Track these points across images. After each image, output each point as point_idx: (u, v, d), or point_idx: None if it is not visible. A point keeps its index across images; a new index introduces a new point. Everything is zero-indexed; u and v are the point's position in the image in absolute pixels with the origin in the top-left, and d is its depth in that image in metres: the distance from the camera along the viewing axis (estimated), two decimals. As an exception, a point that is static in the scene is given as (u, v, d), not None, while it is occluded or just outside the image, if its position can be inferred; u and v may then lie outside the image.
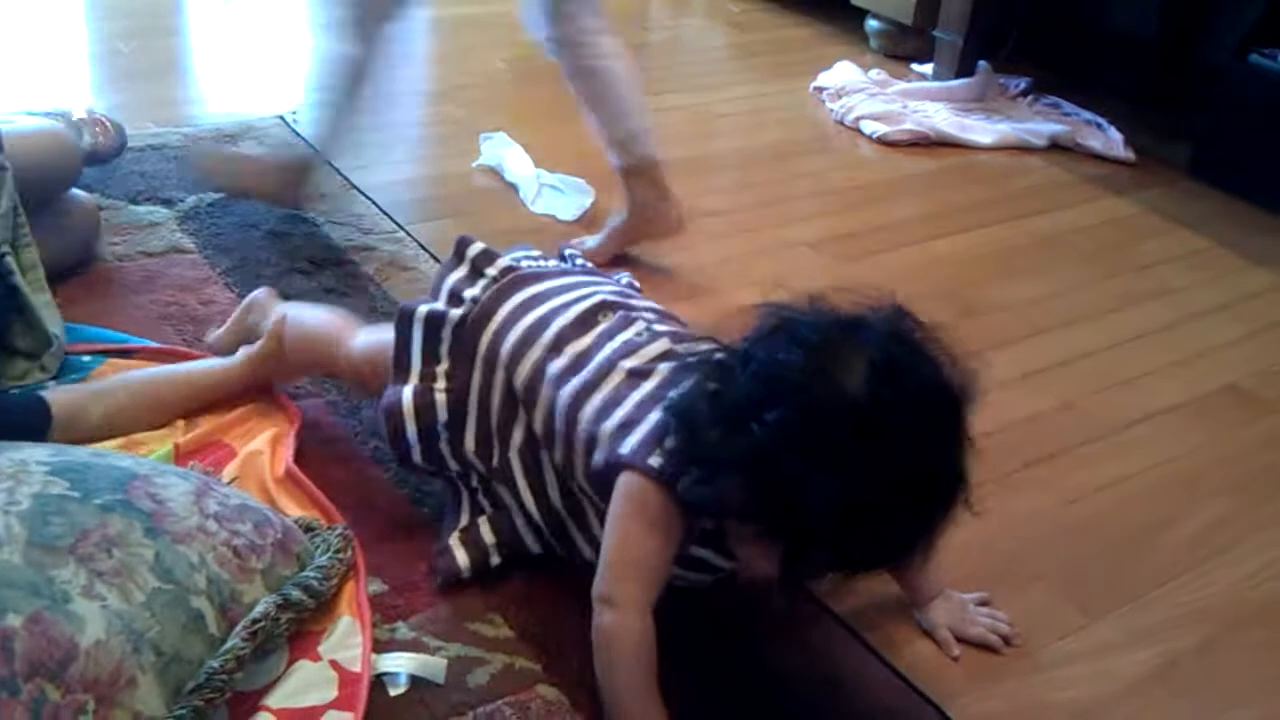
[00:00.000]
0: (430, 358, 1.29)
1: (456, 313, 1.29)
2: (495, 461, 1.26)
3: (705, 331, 1.16)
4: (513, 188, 2.18)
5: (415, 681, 1.13)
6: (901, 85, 2.86)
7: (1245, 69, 2.48)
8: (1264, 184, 2.46)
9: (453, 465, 1.29)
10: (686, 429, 1.05)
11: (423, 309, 1.30)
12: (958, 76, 2.87)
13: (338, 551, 1.19)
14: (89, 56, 2.60)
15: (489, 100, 2.63)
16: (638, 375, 1.17)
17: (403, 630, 1.19)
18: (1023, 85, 2.94)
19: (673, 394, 1.11)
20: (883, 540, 1.00)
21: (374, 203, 2.06)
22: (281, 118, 2.34)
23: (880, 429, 0.95)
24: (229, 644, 1.02)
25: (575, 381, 1.18)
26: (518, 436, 1.25)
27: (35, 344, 1.45)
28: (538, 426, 1.22)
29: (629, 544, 1.10)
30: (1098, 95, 2.88)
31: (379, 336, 1.36)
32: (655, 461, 1.08)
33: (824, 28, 3.32)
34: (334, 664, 1.11)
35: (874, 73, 2.90)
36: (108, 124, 2.00)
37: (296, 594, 1.11)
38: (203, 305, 1.70)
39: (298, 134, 2.28)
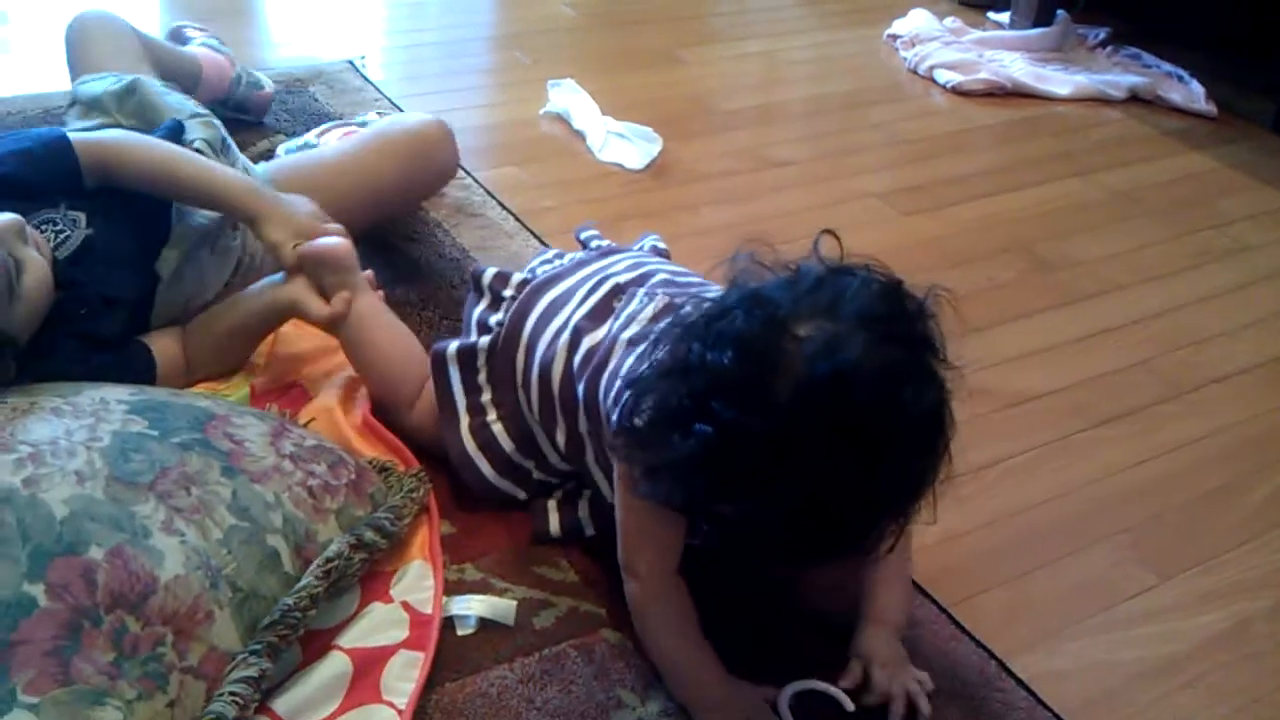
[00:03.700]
0: (472, 390, 1.28)
1: (485, 340, 1.28)
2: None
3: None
4: (580, 135, 2.18)
5: (483, 623, 1.15)
6: (977, 34, 2.80)
7: (1336, 20, 2.40)
8: (1351, 140, 2.39)
9: (555, 481, 1.29)
10: (627, 422, 1.01)
11: (453, 347, 1.29)
12: (1035, 25, 2.80)
13: (410, 491, 1.21)
14: (160, -1, 2.62)
15: (556, 46, 2.62)
16: (635, 342, 1.13)
17: (470, 571, 1.21)
18: (1101, 35, 2.86)
19: (626, 366, 1.09)
20: (815, 548, 0.95)
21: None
22: (351, 62, 2.34)
23: (796, 457, 0.88)
24: (303, 582, 1.04)
25: (589, 369, 1.16)
26: (560, 439, 1.23)
27: None
28: (581, 431, 1.20)
29: (631, 514, 1.10)
30: (1179, 46, 2.80)
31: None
32: None
33: (897, -26, 3.26)
34: (405, 605, 1.13)
35: (949, 21, 2.84)
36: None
37: (369, 534, 1.13)
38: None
39: (366, 79, 2.29)
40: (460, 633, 1.14)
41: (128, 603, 0.93)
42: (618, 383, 1.10)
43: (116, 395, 1.13)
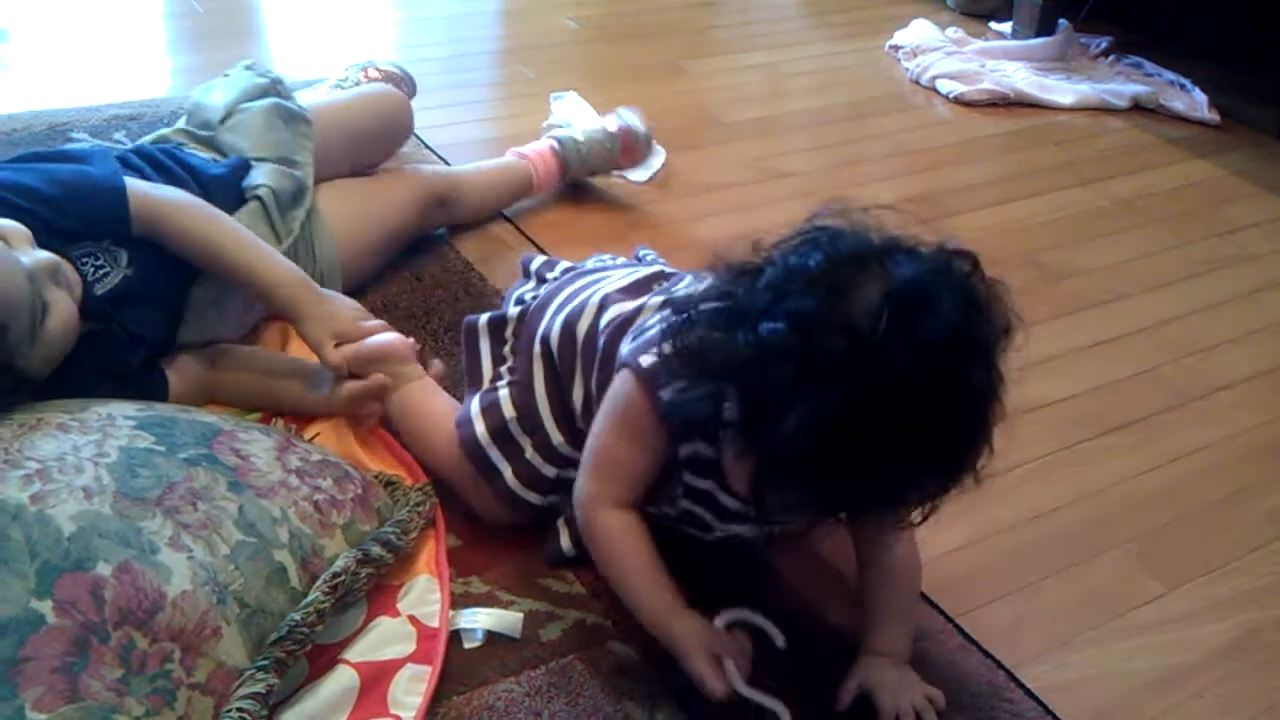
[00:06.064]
0: (499, 360, 1.30)
1: (515, 310, 1.31)
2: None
3: None
4: (584, 148, 2.17)
5: (490, 636, 1.15)
6: (979, 44, 2.81)
7: (1339, 27, 2.40)
8: (1356, 147, 2.38)
9: (549, 471, 1.23)
10: (678, 326, 0.99)
11: (484, 318, 1.31)
12: (1037, 35, 2.81)
13: (416, 505, 1.21)
14: (164, 16, 2.63)
15: (559, 59, 2.62)
16: (669, 303, 1.10)
17: (476, 584, 1.21)
18: (1104, 44, 2.87)
19: (657, 318, 1.08)
20: (856, 486, 0.91)
21: (445, 162, 2.07)
22: (355, 77, 2.35)
23: (877, 363, 0.85)
24: (310, 597, 1.04)
25: (613, 328, 1.17)
26: (577, 395, 1.23)
27: None
28: (593, 386, 1.20)
29: (607, 447, 1.10)
30: (1181, 55, 2.80)
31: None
32: (647, 360, 1.05)
33: (899, -15, 3.26)
34: (412, 619, 1.13)
35: (951, 31, 2.85)
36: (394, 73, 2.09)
37: (376, 549, 1.13)
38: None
39: (371, 93, 2.29)
40: (467, 646, 1.14)
41: (135, 619, 0.93)
42: (646, 334, 1.10)
43: (123, 411, 1.13)
